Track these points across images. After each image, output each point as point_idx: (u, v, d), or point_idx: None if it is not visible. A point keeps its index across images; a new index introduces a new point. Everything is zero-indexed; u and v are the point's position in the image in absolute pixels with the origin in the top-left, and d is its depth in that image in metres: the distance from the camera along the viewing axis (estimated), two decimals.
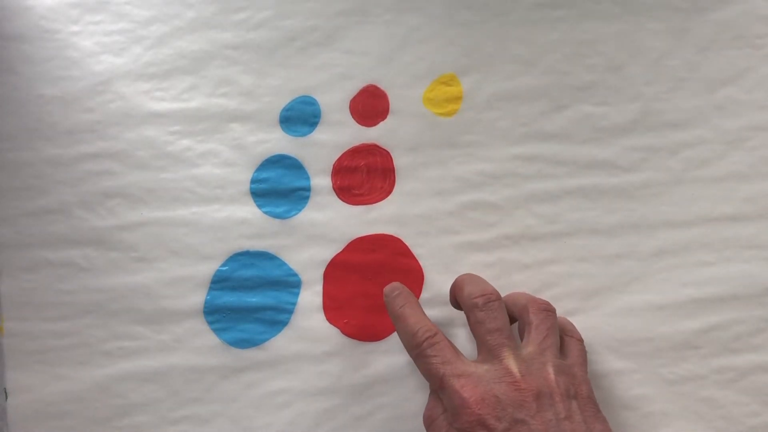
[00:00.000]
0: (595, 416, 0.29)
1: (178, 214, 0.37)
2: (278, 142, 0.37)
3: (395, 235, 0.36)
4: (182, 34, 0.38)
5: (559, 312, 0.33)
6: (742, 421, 0.33)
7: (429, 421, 0.30)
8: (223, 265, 0.36)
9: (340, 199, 0.36)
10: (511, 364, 0.29)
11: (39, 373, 0.35)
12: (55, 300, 0.36)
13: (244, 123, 0.37)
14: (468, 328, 0.32)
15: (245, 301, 0.36)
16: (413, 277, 0.35)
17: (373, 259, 0.36)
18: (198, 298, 0.36)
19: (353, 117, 0.37)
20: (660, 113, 0.36)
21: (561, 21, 0.37)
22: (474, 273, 0.35)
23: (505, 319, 0.31)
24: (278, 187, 0.37)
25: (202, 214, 0.36)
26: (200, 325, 0.36)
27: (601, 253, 0.35)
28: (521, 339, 0.31)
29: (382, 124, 0.37)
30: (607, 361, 0.34)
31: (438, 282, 0.35)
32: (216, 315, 0.36)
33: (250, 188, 0.37)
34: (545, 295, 0.35)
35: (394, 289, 0.33)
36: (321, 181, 0.36)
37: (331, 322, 0.35)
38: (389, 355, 0.35)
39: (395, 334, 0.35)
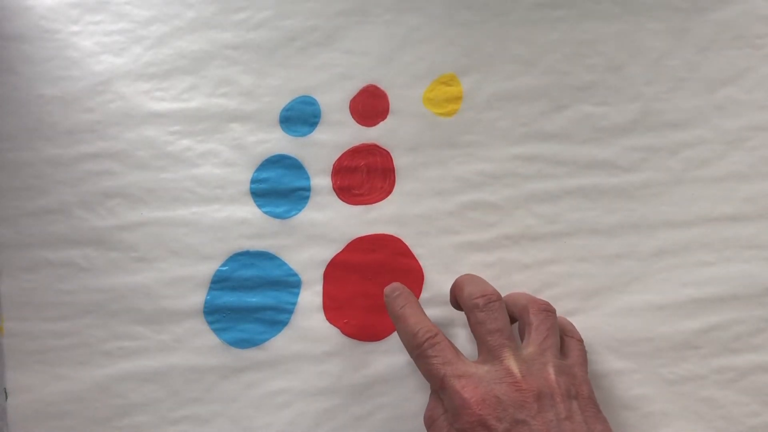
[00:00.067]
0: (595, 416, 0.29)
1: (178, 214, 0.37)
2: (278, 142, 0.37)
3: (395, 235, 0.36)
4: (182, 34, 0.38)
5: (559, 312, 0.33)
6: (742, 421, 0.33)
7: (430, 421, 0.30)
8: (223, 265, 0.36)
9: (340, 199, 0.36)
10: (512, 364, 0.29)
11: (39, 373, 0.35)
12: (55, 300, 0.36)
13: (244, 123, 0.37)
14: (468, 328, 0.32)
15: (245, 301, 0.36)
16: (413, 277, 0.35)
17: (373, 259, 0.36)
18: (198, 298, 0.36)
19: (353, 117, 0.37)
20: (660, 113, 0.36)
21: (561, 21, 0.37)
22: (474, 273, 0.35)
23: (505, 319, 0.31)
24: (278, 187, 0.37)
25: (202, 214, 0.36)
26: (200, 325, 0.36)
27: (601, 253, 0.35)
28: (521, 339, 0.31)
29: (382, 124, 0.37)
30: (607, 361, 0.34)
31: (438, 282, 0.35)
32: (216, 315, 0.36)
33: (250, 188, 0.37)
34: (545, 295, 0.35)
35: (394, 289, 0.33)
36: (321, 181, 0.36)
37: (331, 322, 0.35)
38: (389, 355, 0.35)
39: (395, 334, 0.35)
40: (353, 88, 0.37)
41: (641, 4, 0.37)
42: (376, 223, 0.36)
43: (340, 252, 0.36)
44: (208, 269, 0.36)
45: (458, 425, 0.28)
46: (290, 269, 0.36)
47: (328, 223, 0.36)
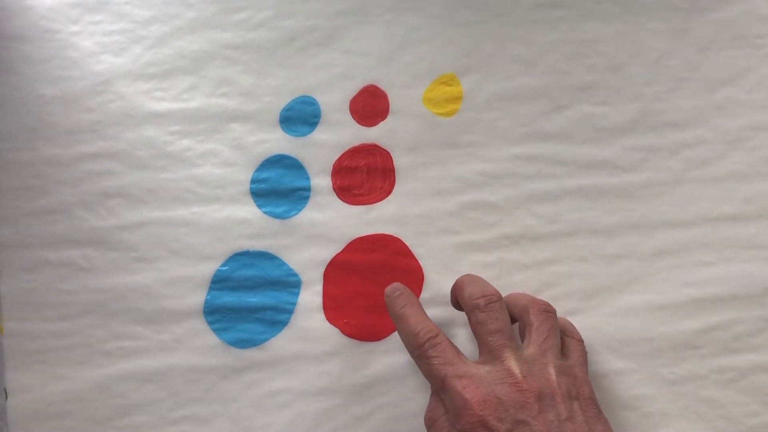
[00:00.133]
0: (596, 417, 0.29)
1: (178, 214, 0.36)
2: (278, 142, 0.37)
3: (395, 235, 0.36)
4: (182, 34, 0.38)
5: (559, 312, 0.33)
6: (742, 421, 0.33)
7: (430, 422, 0.30)
8: (223, 265, 0.36)
9: (340, 199, 0.36)
10: (513, 365, 0.29)
11: (39, 373, 0.35)
12: (55, 300, 0.36)
13: (244, 123, 0.37)
14: (468, 328, 0.32)
15: (245, 301, 0.36)
16: (413, 277, 0.35)
17: (373, 259, 0.36)
18: (198, 298, 0.36)
19: (353, 117, 0.37)
20: (660, 113, 0.36)
21: (561, 21, 0.37)
22: (474, 273, 0.35)
23: (506, 320, 0.31)
24: (278, 187, 0.37)
25: (202, 214, 0.36)
26: (200, 325, 0.36)
27: (601, 253, 0.35)
28: (521, 340, 0.31)
29: (382, 124, 0.37)
30: (607, 361, 0.34)
31: (438, 282, 0.35)
32: (216, 315, 0.36)
33: (250, 188, 0.37)
34: (545, 295, 0.35)
35: (395, 289, 0.33)
36: (321, 181, 0.36)
37: (331, 322, 0.35)
38: (389, 355, 0.35)
39: (395, 334, 0.35)
40: (353, 88, 0.37)
41: (641, 4, 0.37)
42: (376, 223, 0.36)
43: (340, 252, 0.36)
44: (208, 269, 0.36)
45: (459, 426, 0.28)
46: (290, 269, 0.36)
47: (328, 223, 0.36)
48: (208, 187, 0.37)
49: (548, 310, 0.31)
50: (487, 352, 0.30)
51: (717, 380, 0.34)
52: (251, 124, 0.37)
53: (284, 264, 0.36)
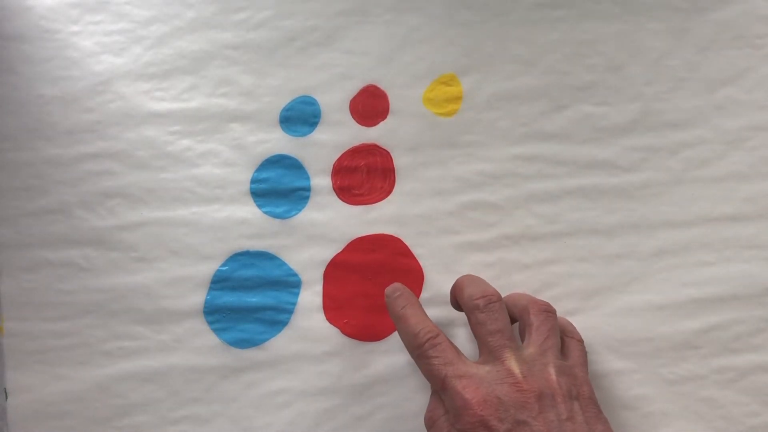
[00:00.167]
0: (596, 417, 0.29)
1: (178, 214, 0.37)
2: (278, 142, 0.37)
3: (395, 235, 0.36)
4: (182, 34, 0.38)
5: (559, 312, 0.33)
6: (742, 421, 0.33)
7: (430, 422, 0.30)
8: (223, 265, 0.36)
9: (340, 199, 0.36)
10: (513, 365, 0.29)
11: (39, 373, 0.35)
12: (55, 300, 0.36)
13: (244, 123, 0.37)
14: (468, 328, 0.32)
15: (245, 301, 0.36)
16: (413, 277, 0.35)
17: (373, 259, 0.36)
18: (198, 298, 0.36)
19: (353, 117, 0.37)
20: (660, 113, 0.36)
21: (561, 21, 0.37)
22: (474, 273, 0.35)
23: (506, 320, 0.31)
24: (278, 187, 0.37)
25: (202, 214, 0.36)
26: (200, 325, 0.36)
27: (601, 253, 0.35)
28: (521, 340, 0.31)
29: (382, 124, 0.37)
30: (607, 361, 0.34)
31: (438, 282, 0.35)
32: (216, 315, 0.36)
33: (250, 188, 0.37)
34: (545, 296, 0.35)
35: (395, 290, 0.33)
36: (321, 181, 0.36)
37: (331, 322, 0.35)
38: (389, 355, 0.35)
39: (395, 334, 0.35)
40: (353, 88, 0.37)
41: (641, 4, 0.37)
42: (376, 223, 0.36)
43: (340, 252, 0.36)
44: (208, 269, 0.36)
45: (459, 426, 0.28)
46: (290, 269, 0.36)
47: (328, 223, 0.36)
48: (208, 187, 0.37)
49: (548, 310, 0.31)
50: (487, 352, 0.30)
51: (717, 380, 0.34)
52: (251, 124, 0.37)
53: (284, 264, 0.36)
